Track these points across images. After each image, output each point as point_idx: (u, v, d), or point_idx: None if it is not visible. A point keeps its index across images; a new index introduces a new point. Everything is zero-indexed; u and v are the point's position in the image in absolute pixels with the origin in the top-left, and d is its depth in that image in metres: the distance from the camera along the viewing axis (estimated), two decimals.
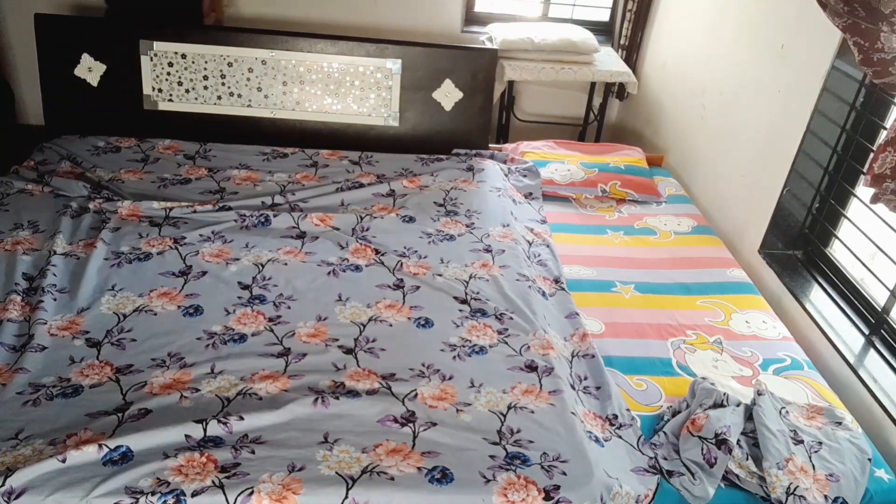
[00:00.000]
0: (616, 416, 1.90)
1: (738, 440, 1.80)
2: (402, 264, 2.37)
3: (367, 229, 2.55)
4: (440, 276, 2.33)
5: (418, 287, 2.27)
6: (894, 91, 2.01)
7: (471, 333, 2.09)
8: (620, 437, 1.85)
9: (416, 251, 2.46)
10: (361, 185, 2.84)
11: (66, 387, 1.77)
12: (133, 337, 1.96)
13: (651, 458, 1.81)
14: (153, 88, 3.08)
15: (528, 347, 2.05)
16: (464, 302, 2.23)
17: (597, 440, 1.79)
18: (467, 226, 2.65)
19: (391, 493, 1.55)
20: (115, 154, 2.91)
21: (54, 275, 2.14)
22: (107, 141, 2.98)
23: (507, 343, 2.06)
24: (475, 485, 1.59)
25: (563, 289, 2.41)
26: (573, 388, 1.96)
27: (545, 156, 3.26)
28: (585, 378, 2.04)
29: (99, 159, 2.85)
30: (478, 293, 2.27)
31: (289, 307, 2.14)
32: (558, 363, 2.00)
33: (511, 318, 2.16)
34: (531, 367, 1.97)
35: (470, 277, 2.35)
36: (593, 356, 2.10)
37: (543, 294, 2.34)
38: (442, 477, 1.60)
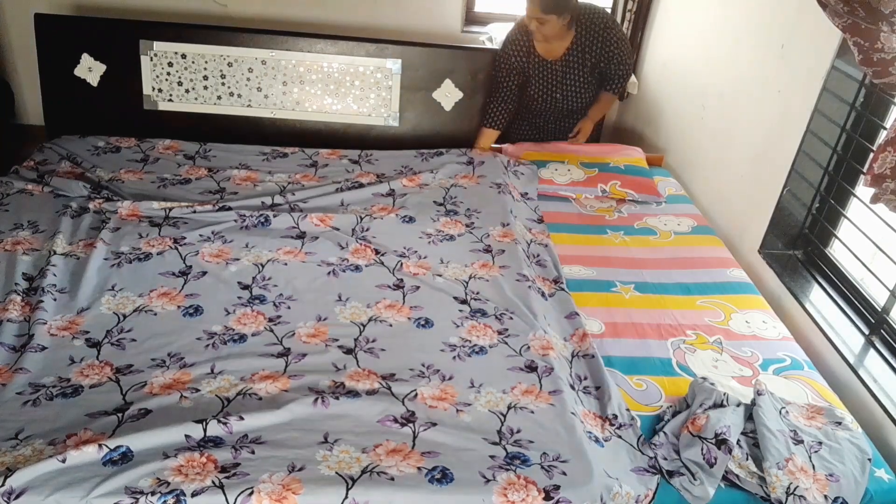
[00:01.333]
0: (616, 417, 1.90)
1: (738, 440, 1.80)
2: (401, 264, 2.37)
3: (367, 229, 2.55)
4: (440, 276, 2.33)
5: (418, 287, 2.27)
6: (894, 91, 2.01)
7: (471, 333, 2.09)
8: (620, 436, 1.85)
9: (415, 251, 2.46)
10: (361, 185, 2.84)
11: (66, 387, 1.77)
12: (133, 337, 1.96)
13: (651, 458, 1.81)
14: (153, 88, 3.08)
15: (528, 347, 2.05)
16: (464, 302, 2.23)
17: (596, 440, 1.79)
18: (467, 225, 2.65)
19: (391, 493, 1.55)
20: (115, 154, 2.91)
21: (54, 275, 2.14)
22: (107, 141, 2.98)
23: (506, 343, 2.06)
24: (475, 485, 1.59)
25: (563, 289, 2.41)
26: (573, 388, 1.96)
27: (545, 156, 3.25)
28: (585, 378, 2.04)
29: (99, 159, 2.86)
30: (478, 293, 2.27)
31: (289, 307, 2.14)
32: (558, 363, 2.00)
33: (511, 318, 2.16)
34: (531, 368, 1.97)
35: (470, 277, 2.35)
36: (593, 356, 2.10)
37: (543, 294, 2.34)
38: (442, 477, 1.60)
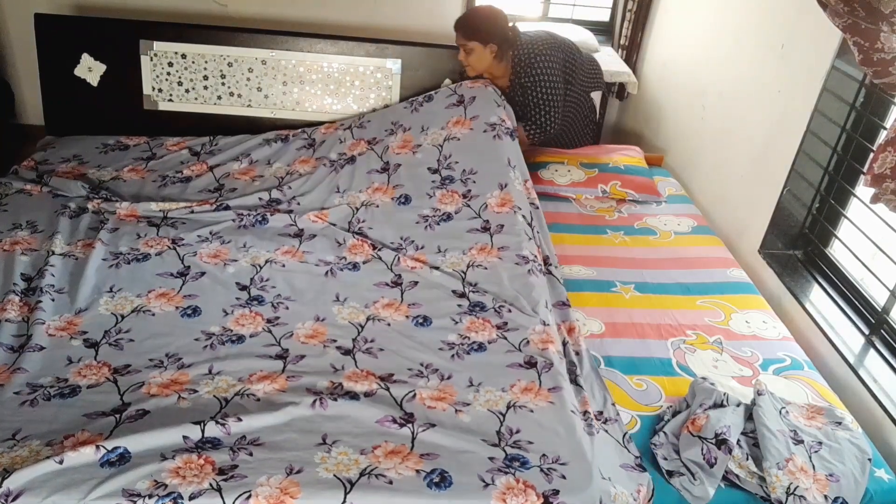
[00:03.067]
0: (601, 413, 1.90)
1: (738, 440, 1.79)
2: (399, 259, 2.36)
3: (363, 221, 2.54)
4: (437, 269, 2.32)
5: (416, 282, 2.27)
6: (894, 91, 2.00)
7: (469, 330, 2.08)
8: (607, 431, 1.85)
9: (412, 241, 2.45)
10: (353, 160, 2.81)
11: (64, 387, 1.77)
12: (131, 337, 1.96)
13: (637, 456, 1.80)
14: (153, 88, 3.08)
15: (528, 342, 2.03)
16: (462, 296, 2.22)
17: (591, 426, 1.79)
18: (464, 195, 2.61)
19: (389, 497, 1.54)
20: (117, 152, 2.91)
21: (52, 275, 2.14)
22: (117, 139, 2.98)
23: (506, 338, 2.05)
24: (474, 489, 1.58)
25: (551, 272, 2.39)
26: (568, 379, 1.95)
27: (545, 157, 3.24)
28: (575, 367, 2.03)
29: (101, 158, 2.85)
30: (476, 284, 2.26)
31: (287, 308, 2.14)
32: (557, 357, 1.99)
33: (510, 311, 2.14)
34: (530, 364, 1.96)
35: (468, 266, 2.34)
36: (577, 353, 2.09)
37: (540, 271, 2.33)
38: (441, 481, 1.58)
